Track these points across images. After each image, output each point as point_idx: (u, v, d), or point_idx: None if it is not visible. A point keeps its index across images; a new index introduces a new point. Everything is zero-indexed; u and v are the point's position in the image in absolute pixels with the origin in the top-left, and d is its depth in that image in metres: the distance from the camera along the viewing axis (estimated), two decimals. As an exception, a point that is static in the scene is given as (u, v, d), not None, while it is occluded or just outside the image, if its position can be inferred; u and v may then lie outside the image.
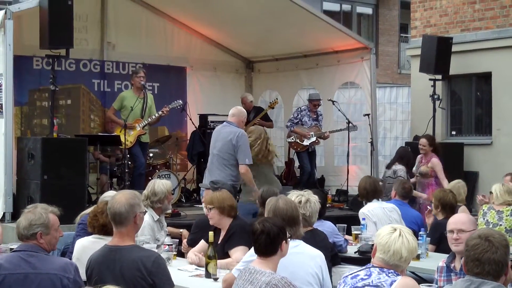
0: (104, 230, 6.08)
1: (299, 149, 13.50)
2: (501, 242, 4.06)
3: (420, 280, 6.94)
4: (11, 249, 6.10)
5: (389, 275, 4.36)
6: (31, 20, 10.96)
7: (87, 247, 5.92)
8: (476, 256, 4.04)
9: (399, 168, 11.73)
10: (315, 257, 5.49)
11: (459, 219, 5.68)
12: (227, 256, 6.53)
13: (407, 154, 12.04)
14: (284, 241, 4.90)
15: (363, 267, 4.52)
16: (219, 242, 6.71)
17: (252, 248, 5.63)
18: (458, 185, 9.41)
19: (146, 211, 7.11)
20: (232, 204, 6.85)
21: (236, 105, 14.35)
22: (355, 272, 4.52)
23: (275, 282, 4.64)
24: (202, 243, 6.95)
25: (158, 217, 7.50)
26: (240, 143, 9.44)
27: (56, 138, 10.62)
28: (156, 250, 6.02)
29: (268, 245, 4.89)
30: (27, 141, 10.58)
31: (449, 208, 7.97)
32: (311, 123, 13.51)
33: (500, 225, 8.44)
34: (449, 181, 10.21)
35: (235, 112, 9.84)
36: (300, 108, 13.87)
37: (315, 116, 13.59)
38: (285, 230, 4.97)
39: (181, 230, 8.56)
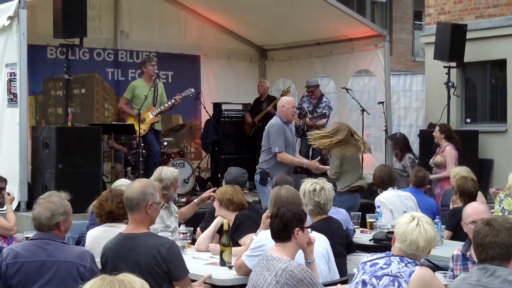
0: (112, 217, 6.09)
1: None
2: (503, 225, 4.03)
3: (435, 267, 6.92)
4: (26, 238, 6.14)
5: (408, 265, 4.35)
6: (45, 9, 10.99)
7: (98, 236, 5.94)
8: (479, 242, 4.03)
9: (407, 159, 11.91)
10: (320, 240, 5.60)
11: (478, 209, 5.60)
12: (237, 246, 6.52)
13: (396, 139, 12.29)
14: (298, 229, 4.90)
15: (383, 255, 4.49)
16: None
17: (258, 234, 5.68)
18: (465, 170, 9.26)
19: (163, 204, 7.15)
20: (231, 199, 6.81)
21: (250, 93, 14.50)
22: (375, 260, 4.49)
23: (291, 268, 4.65)
24: (209, 232, 6.96)
25: (166, 204, 7.49)
26: (269, 133, 9.86)
27: (70, 127, 10.64)
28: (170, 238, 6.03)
29: (281, 229, 4.92)
30: (41, 130, 10.61)
31: (467, 196, 7.87)
32: (309, 109, 13.44)
33: (517, 212, 8.41)
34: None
35: (277, 103, 10.31)
36: (304, 94, 13.85)
37: (315, 102, 13.49)
38: (301, 218, 4.96)
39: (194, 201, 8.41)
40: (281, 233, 4.92)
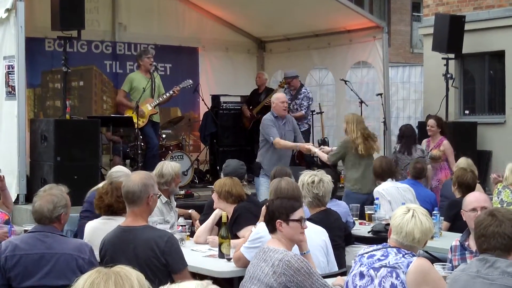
0: (111, 210, 6.10)
1: None
2: (506, 216, 4.04)
3: (433, 259, 6.93)
4: (25, 230, 6.14)
5: (406, 256, 4.35)
6: (42, 1, 10.96)
7: (97, 229, 5.95)
8: (481, 232, 4.04)
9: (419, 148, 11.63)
10: (319, 232, 5.65)
11: (480, 197, 5.65)
12: (236, 238, 6.53)
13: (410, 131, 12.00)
14: (280, 221, 4.90)
15: (379, 247, 4.50)
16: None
17: (257, 226, 5.70)
18: (467, 162, 9.27)
19: (160, 194, 7.13)
20: (230, 191, 6.79)
21: (248, 85, 14.48)
22: (371, 252, 4.50)
23: (288, 258, 4.66)
24: (208, 224, 6.96)
25: (166, 199, 7.49)
26: (261, 127, 10.25)
27: (69, 119, 10.64)
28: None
29: (267, 222, 5.02)
30: (40, 123, 10.60)
31: (466, 188, 7.87)
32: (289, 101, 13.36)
33: (515, 204, 8.42)
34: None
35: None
36: (285, 86, 13.78)
37: (294, 93, 13.33)
38: (285, 211, 4.95)
39: (189, 210, 8.52)
40: (268, 225, 5.02)
